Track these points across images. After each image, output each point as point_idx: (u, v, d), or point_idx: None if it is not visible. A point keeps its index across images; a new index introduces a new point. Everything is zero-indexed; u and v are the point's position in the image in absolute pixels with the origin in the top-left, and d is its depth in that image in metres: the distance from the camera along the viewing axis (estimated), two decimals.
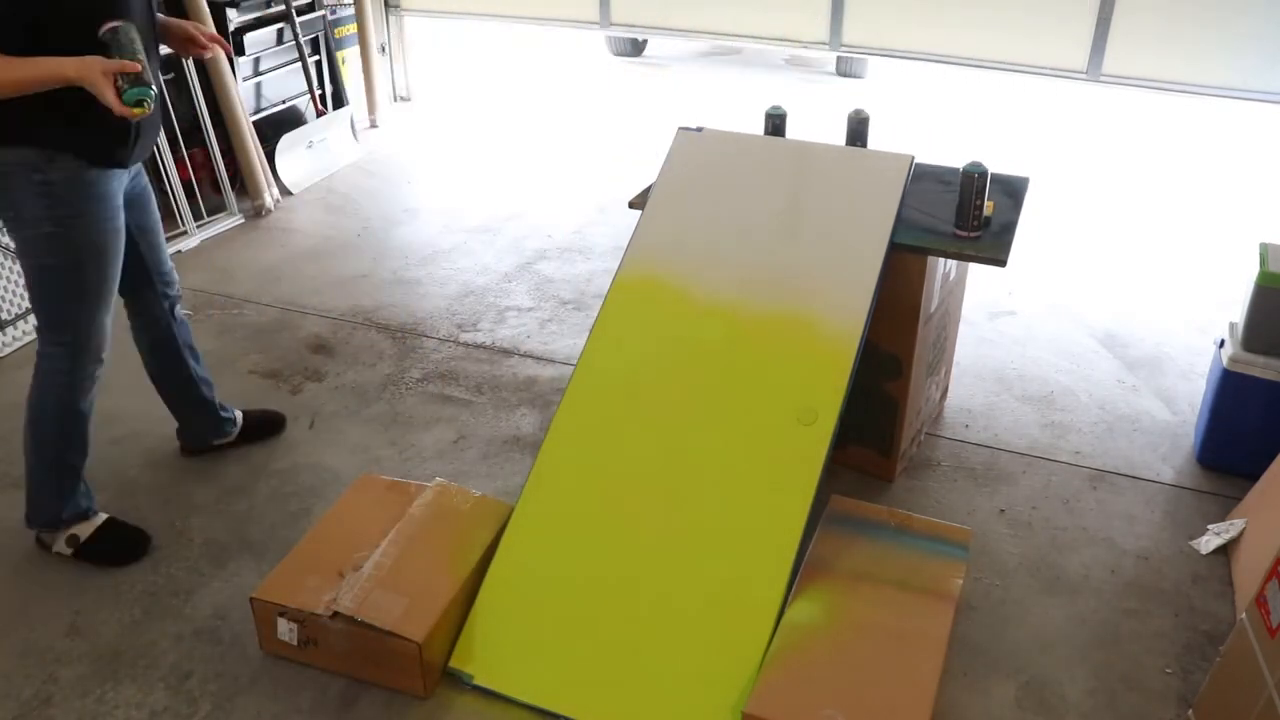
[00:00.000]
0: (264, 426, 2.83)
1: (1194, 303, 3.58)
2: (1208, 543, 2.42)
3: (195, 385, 2.63)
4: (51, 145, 1.92)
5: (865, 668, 1.93)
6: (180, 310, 2.54)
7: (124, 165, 2.06)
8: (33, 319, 3.34)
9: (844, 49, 4.80)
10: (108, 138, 1.99)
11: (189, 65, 3.96)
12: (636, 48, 7.24)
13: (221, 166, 4.15)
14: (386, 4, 5.53)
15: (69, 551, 2.36)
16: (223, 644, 2.17)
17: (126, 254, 2.21)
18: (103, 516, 2.39)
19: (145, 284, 2.42)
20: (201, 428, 2.74)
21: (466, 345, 3.32)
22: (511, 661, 2.06)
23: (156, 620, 2.24)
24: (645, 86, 6.50)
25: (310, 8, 4.61)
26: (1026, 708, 2.03)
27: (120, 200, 2.12)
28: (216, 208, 4.23)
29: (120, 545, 2.39)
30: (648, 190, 2.57)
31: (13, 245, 2.10)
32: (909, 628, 2.01)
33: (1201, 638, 2.18)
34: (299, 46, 4.46)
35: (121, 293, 2.32)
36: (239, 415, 2.79)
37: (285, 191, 4.47)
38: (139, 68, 1.88)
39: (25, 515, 2.38)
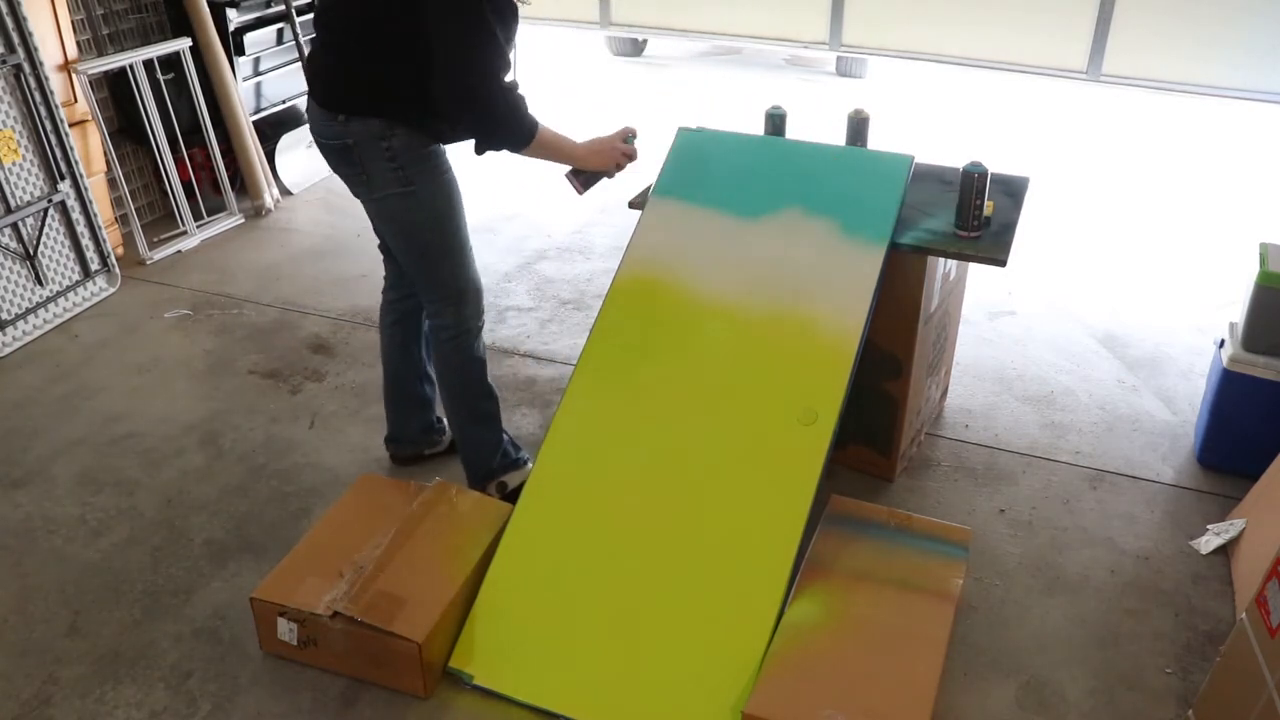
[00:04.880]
0: None
1: (1194, 303, 3.58)
2: (1208, 543, 2.42)
3: (423, 381, 2.65)
4: (391, 118, 2.15)
5: (865, 668, 1.93)
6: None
7: (445, 142, 2.28)
8: (49, 311, 3.36)
9: (844, 49, 4.80)
10: (432, 120, 2.19)
11: (189, 65, 3.96)
12: (636, 48, 7.24)
13: (221, 166, 4.15)
14: None
15: (497, 495, 2.47)
16: (223, 644, 2.18)
17: None
18: (532, 467, 2.41)
19: None
20: (415, 431, 2.70)
21: None
22: (511, 661, 2.06)
23: (156, 620, 2.24)
24: (645, 86, 6.50)
25: (310, 8, 4.61)
26: (1026, 708, 2.03)
27: (449, 163, 2.30)
28: (216, 208, 4.23)
29: None
30: (647, 190, 2.57)
31: (376, 212, 2.31)
32: (909, 628, 2.01)
33: (1201, 638, 2.18)
34: (299, 46, 4.45)
35: (391, 254, 2.49)
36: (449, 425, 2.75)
37: (285, 191, 4.47)
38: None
39: (466, 479, 2.53)
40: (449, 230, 2.30)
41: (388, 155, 2.17)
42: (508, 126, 2.17)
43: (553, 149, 2.27)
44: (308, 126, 2.29)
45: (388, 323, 2.58)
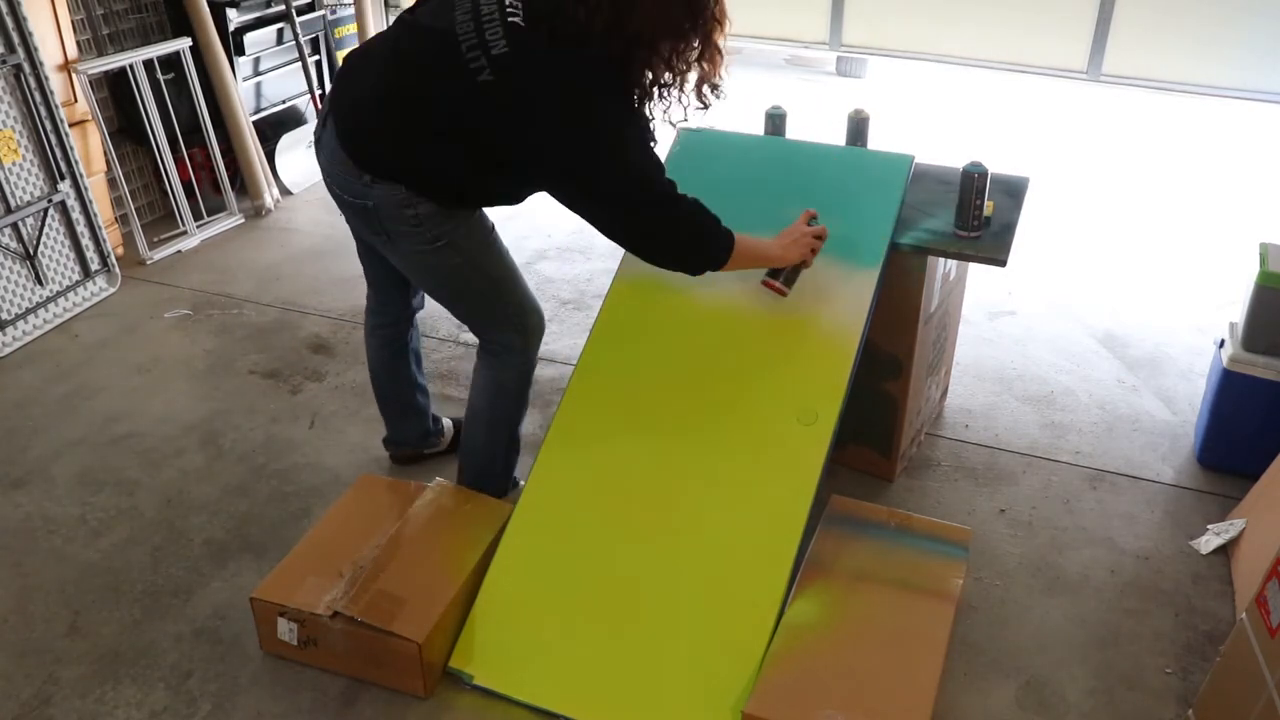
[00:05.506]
0: None
1: (1194, 303, 3.58)
2: (1208, 543, 2.42)
3: (415, 391, 2.59)
4: (419, 193, 1.99)
5: (865, 668, 1.93)
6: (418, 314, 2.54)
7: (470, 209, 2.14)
8: (49, 311, 3.36)
9: (844, 49, 4.79)
10: (458, 205, 2.07)
11: (189, 65, 3.96)
12: None
13: (221, 166, 4.15)
14: (386, 4, 5.52)
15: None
16: (223, 644, 2.18)
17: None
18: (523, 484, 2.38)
19: (402, 282, 2.40)
20: (413, 436, 2.67)
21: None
22: (511, 661, 2.06)
23: (156, 620, 2.24)
24: None
25: (310, 8, 4.60)
26: (1026, 708, 2.03)
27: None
28: (216, 208, 4.23)
29: None
30: None
31: (405, 266, 2.18)
32: (909, 628, 2.01)
33: (1201, 638, 2.18)
34: (299, 46, 4.45)
35: (377, 283, 2.41)
36: (448, 424, 2.72)
37: (285, 191, 4.47)
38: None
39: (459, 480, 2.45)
40: (491, 264, 2.18)
41: (413, 221, 2.01)
42: (708, 247, 2.03)
43: (750, 256, 2.12)
44: (312, 142, 2.15)
45: (373, 345, 2.53)
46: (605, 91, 1.90)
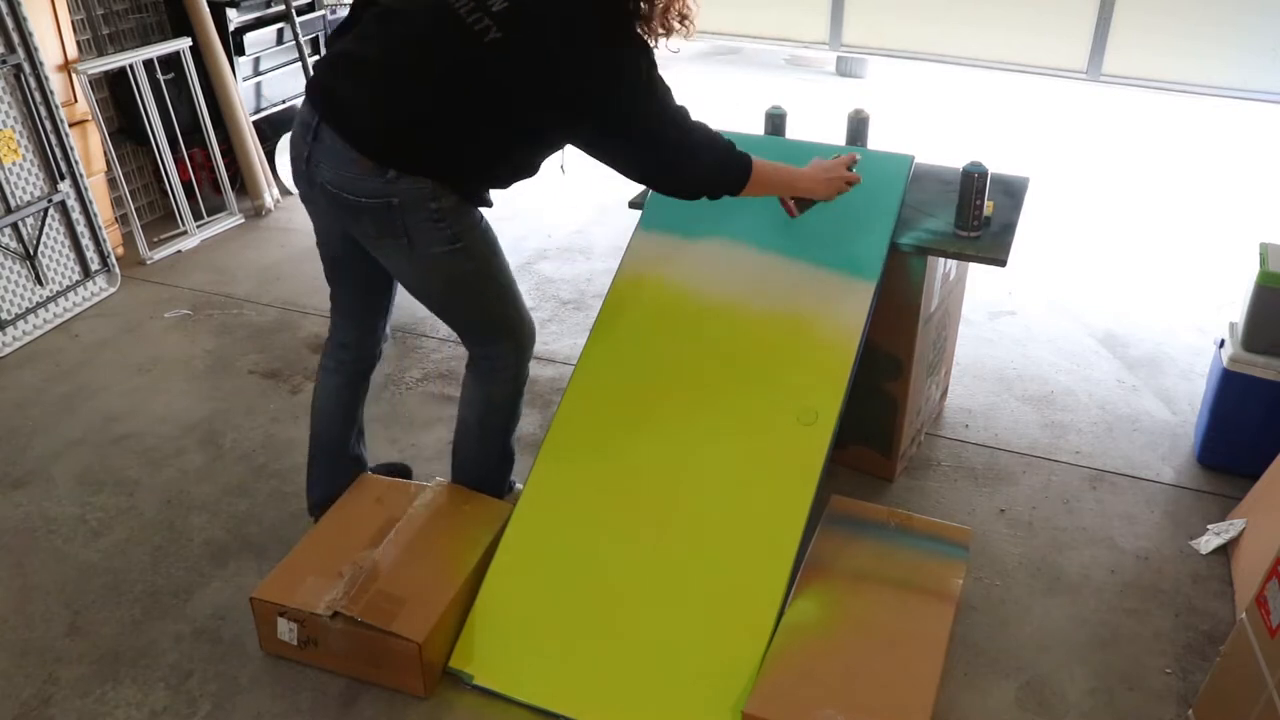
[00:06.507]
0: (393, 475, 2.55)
1: (1194, 303, 3.58)
2: (1208, 543, 2.42)
3: (360, 438, 2.45)
4: (444, 182, 1.96)
5: (865, 668, 1.93)
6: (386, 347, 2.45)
7: (485, 205, 2.10)
8: (49, 311, 3.36)
9: (844, 49, 4.78)
10: (481, 188, 2.07)
11: (189, 65, 3.96)
12: None
13: (221, 166, 4.15)
14: None
15: None
16: (223, 644, 2.18)
17: (381, 285, 2.26)
18: (520, 486, 2.35)
19: (381, 313, 2.33)
20: (336, 481, 2.42)
21: None
22: (511, 661, 2.06)
23: (156, 620, 2.24)
24: None
25: (310, 8, 4.60)
26: (1026, 708, 2.03)
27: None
28: (216, 208, 4.23)
29: None
30: (647, 190, 2.57)
31: (417, 270, 2.10)
32: (909, 628, 2.01)
33: (1201, 638, 2.18)
34: (299, 46, 4.45)
35: (352, 312, 2.31)
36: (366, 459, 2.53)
37: (285, 191, 4.47)
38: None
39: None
40: (498, 272, 2.13)
41: (436, 215, 1.95)
42: (728, 169, 2.03)
43: (773, 183, 2.12)
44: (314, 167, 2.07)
45: (336, 384, 2.35)
46: (615, 16, 1.90)
